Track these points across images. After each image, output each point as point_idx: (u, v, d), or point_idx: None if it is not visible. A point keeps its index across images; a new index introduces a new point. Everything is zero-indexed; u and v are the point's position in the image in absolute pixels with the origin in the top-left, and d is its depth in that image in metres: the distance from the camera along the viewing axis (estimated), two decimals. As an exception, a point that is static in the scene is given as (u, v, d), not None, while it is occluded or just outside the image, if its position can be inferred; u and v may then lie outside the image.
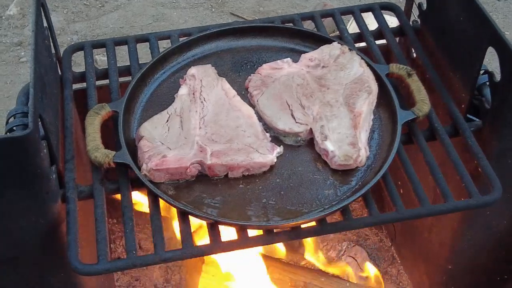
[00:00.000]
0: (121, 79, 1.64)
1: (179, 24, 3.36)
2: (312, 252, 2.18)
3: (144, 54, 1.80)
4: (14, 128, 1.47)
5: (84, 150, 1.43)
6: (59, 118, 1.52)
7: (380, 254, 2.26)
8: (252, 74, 1.60)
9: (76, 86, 1.67)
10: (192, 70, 1.57)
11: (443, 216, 1.51)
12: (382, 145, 1.47)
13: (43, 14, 1.54)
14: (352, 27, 2.31)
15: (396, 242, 2.27)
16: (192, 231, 1.34)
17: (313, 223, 1.36)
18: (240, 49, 1.69)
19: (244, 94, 1.58)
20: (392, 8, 1.82)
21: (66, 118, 1.53)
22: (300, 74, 1.58)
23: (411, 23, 1.81)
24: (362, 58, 1.60)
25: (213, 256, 1.99)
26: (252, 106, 1.54)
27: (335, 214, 1.38)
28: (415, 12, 1.83)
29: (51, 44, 1.61)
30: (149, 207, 1.37)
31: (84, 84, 1.64)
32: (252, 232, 1.34)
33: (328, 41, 1.66)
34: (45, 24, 1.56)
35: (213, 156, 1.39)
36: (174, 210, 1.37)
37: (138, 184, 1.39)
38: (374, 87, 1.54)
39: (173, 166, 1.36)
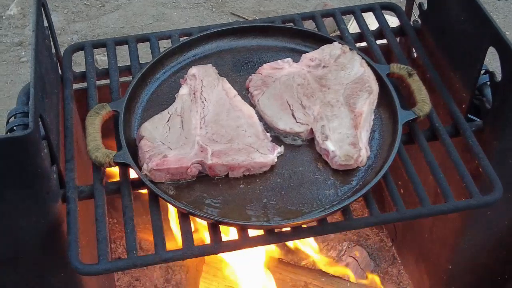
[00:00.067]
0: (122, 79, 1.64)
1: (180, 24, 3.36)
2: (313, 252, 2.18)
3: (145, 54, 1.80)
4: (15, 128, 1.47)
5: (84, 150, 1.42)
6: (60, 118, 1.52)
7: (381, 254, 2.26)
8: (252, 74, 1.60)
9: (76, 86, 1.67)
10: (193, 70, 1.57)
11: (444, 216, 1.50)
12: (382, 145, 1.47)
13: (43, 14, 1.54)
14: (353, 27, 2.31)
15: (396, 242, 2.27)
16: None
17: (314, 223, 1.36)
18: (240, 49, 1.69)
19: (245, 94, 1.58)
20: (392, 8, 1.82)
21: (67, 118, 1.53)
22: (300, 74, 1.58)
23: (411, 23, 1.81)
24: (362, 58, 1.60)
25: (214, 256, 1.99)
26: (253, 106, 1.54)
27: (336, 214, 1.38)
28: (415, 12, 1.83)
29: (52, 44, 1.61)
30: (149, 207, 1.37)
31: (85, 84, 1.64)
32: (252, 232, 1.34)
33: (329, 41, 1.65)
34: (46, 24, 1.56)
35: (213, 156, 1.38)
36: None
37: (138, 184, 1.39)
38: (375, 87, 1.53)
39: (173, 166, 1.36)
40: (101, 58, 3.01)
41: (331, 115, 1.48)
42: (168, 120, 1.47)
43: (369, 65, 1.58)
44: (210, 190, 1.39)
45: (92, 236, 1.35)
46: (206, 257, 2.06)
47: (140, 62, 1.67)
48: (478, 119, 1.56)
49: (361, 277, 2.15)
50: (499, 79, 1.46)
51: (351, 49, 1.62)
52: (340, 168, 1.42)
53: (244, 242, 1.33)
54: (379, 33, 1.77)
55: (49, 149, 1.32)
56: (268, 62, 1.62)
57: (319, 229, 1.36)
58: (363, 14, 1.80)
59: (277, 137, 1.49)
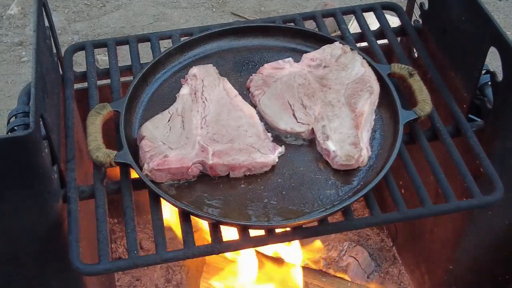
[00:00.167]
0: (122, 79, 1.64)
1: (180, 24, 3.35)
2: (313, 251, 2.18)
3: (145, 53, 1.80)
4: (15, 128, 1.47)
5: (85, 150, 1.42)
6: (61, 117, 1.52)
7: (382, 254, 2.26)
8: (253, 74, 1.60)
9: (77, 85, 1.67)
10: (194, 70, 1.57)
11: (445, 216, 1.51)
12: (383, 145, 1.47)
13: (44, 13, 1.54)
14: (353, 27, 2.31)
15: (397, 242, 2.27)
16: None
17: (315, 223, 1.35)
18: (241, 49, 1.69)
19: (246, 94, 1.58)
20: (393, 8, 1.82)
21: (68, 117, 1.53)
22: (301, 74, 1.58)
23: (412, 23, 1.80)
24: (363, 58, 1.59)
25: (215, 256, 1.99)
26: (254, 106, 1.54)
27: (337, 214, 1.38)
28: (416, 12, 1.83)
29: (53, 44, 1.61)
30: (150, 207, 1.37)
31: (85, 84, 1.64)
32: (253, 232, 1.34)
33: (330, 41, 1.65)
34: (47, 24, 1.56)
35: (214, 156, 1.38)
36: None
37: (139, 184, 1.39)
38: (376, 87, 1.53)
39: (174, 166, 1.36)
40: (101, 58, 3.01)
41: (332, 115, 1.48)
42: (169, 120, 1.46)
43: (370, 65, 1.58)
44: (211, 190, 1.39)
45: (92, 236, 1.34)
46: (206, 257, 2.06)
47: (141, 62, 1.67)
48: (479, 119, 1.56)
49: (362, 277, 2.15)
50: (500, 79, 1.46)
51: (352, 49, 1.62)
52: (341, 168, 1.42)
53: (245, 242, 1.33)
54: (380, 33, 1.76)
55: (50, 149, 1.32)
56: (269, 62, 1.62)
57: (320, 229, 1.36)
58: (364, 14, 1.80)
59: (278, 137, 1.49)
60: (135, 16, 3.43)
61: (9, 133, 1.46)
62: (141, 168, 1.37)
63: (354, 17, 1.82)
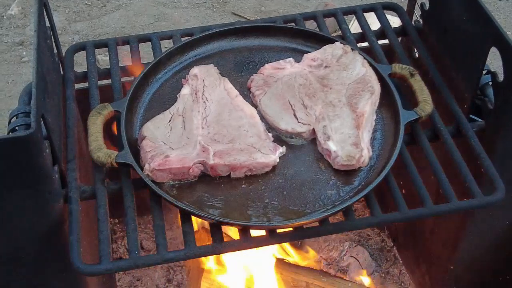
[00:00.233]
0: (123, 79, 1.64)
1: (181, 24, 3.35)
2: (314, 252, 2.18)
3: (146, 54, 1.80)
4: (17, 128, 1.47)
5: (86, 150, 1.42)
6: (61, 118, 1.52)
7: (382, 254, 2.26)
8: (254, 74, 1.60)
9: (78, 85, 1.67)
10: (195, 70, 1.57)
11: (445, 216, 1.50)
12: (384, 146, 1.47)
13: (45, 13, 1.53)
14: (354, 27, 2.31)
15: (398, 242, 2.27)
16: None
17: (316, 223, 1.35)
18: (242, 49, 1.69)
19: (247, 94, 1.58)
20: (394, 8, 1.82)
21: (68, 118, 1.53)
22: (302, 74, 1.58)
23: (413, 23, 1.80)
24: (364, 58, 1.59)
25: (216, 256, 1.99)
26: (255, 106, 1.54)
27: (338, 214, 1.38)
28: (416, 12, 1.83)
29: (53, 44, 1.61)
30: (151, 207, 1.37)
31: (86, 84, 1.64)
32: (255, 232, 1.34)
33: (331, 41, 1.65)
34: (47, 24, 1.56)
35: (215, 156, 1.38)
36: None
37: (140, 184, 1.39)
38: (377, 87, 1.53)
39: (175, 166, 1.36)
40: (102, 58, 3.01)
41: (333, 115, 1.48)
42: (170, 120, 1.46)
43: (371, 65, 1.58)
44: (212, 190, 1.39)
45: (93, 236, 1.34)
46: (208, 257, 2.06)
47: (142, 62, 1.67)
48: (480, 119, 1.56)
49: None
50: (501, 79, 1.46)
51: (353, 49, 1.62)
52: (342, 169, 1.42)
53: (246, 242, 1.33)
54: (380, 33, 1.76)
55: (51, 149, 1.32)
56: (270, 62, 1.62)
57: (321, 230, 1.36)
58: (365, 14, 1.80)
59: (279, 137, 1.49)
60: (135, 16, 3.43)
61: (10, 133, 1.46)
62: (142, 168, 1.37)
63: (354, 17, 1.82)
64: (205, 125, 1.46)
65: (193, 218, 1.35)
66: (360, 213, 2.29)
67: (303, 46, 1.69)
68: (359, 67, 1.57)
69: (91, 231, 1.48)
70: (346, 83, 1.55)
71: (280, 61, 1.62)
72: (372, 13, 1.82)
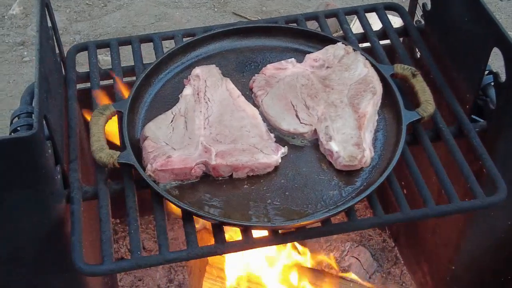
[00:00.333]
0: (125, 79, 1.64)
1: (182, 24, 3.35)
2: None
3: (147, 54, 1.80)
4: (19, 128, 1.47)
5: (88, 151, 1.42)
6: (63, 118, 1.52)
7: (384, 254, 2.26)
8: (256, 75, 1.60)
9: (79, 86, 1.67)
10: (197, 70, 1.57)
11: (447, 216, 1.50)
12: (386, 146, 1.47)
13: (47, 14, 1.53)
14: (355, 27, 2.31)
15: (399, 243, 2.27)
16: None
17: (318, 224, 1.35)
18: (244, 49, 1.69)
19: (248, 94, 1.58)
20: (395, 8, 1.82)
21: (71, 118, 1.53)
22: (304, 74, 1.58)
23: (414, 23, 1.80)
24: (366, 59, 1.59)
25: (218, 256, 1.99)
26: (257, 106, 1.54)
27: (340, 215, 1.38)
28: (418, 13, 1.83)
29: (55, 44, 1.61)
30: (153, 207, 1.37)
31: (88, 84, 1.64)
32: (257, 233, 1.34)
33: (333, 41, 1.65)
34: (49, 24, 1.56)
35: (217, 156, 1.38)
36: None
37: (142, 185, 1.39)
38: (379, 87, 1.53)
39: (177, 167, 1.36)
40: (103, 58, 3.01)
41: (335, 116, 1.48)
42: (172, 121, 1.46)
43: (372, 65, 1.58)
44: (214, 190, 1.39)
45: (95, 236, 1.34)
46: (209, 258, 2.06)
47: (143, 62, 1.67)
48: (482, 120, 1.56)
49: (364, 277, 2.15)
50: (503, 79, 1.46)
51: (354, 50, 1.62)
52: (344, 169, 1.41)
53: (248, 243, 1.33)
54: (382, 34, 1.76)
55: (53, 150, 1.32)
56: (271, 63, 1.62)
57: (323, 230, 1.36)
58: (366, 14, 1.80)
59: (281, 138, 1.48)
60: (136, 16, 3.43)
61: (12, 133, 1.46)
62: (144, 169, 1.37)
63: (355, 17, 1.82)
64: (207, 125, 1.46)
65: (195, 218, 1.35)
66: (362, 213, 2.29)
67: (305, 46, 1.69)
68: (361, 68, 1.57)
69: (93, 231, 1.49)
70: (348, 84, 1.55)
71: (282, 61, 1.62)
72: (374, 13, 1.82)
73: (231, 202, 1.37)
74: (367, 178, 1.41)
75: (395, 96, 1.51)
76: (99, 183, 1.40)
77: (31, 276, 1.43)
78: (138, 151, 1.42)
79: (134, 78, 1.64)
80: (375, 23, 1.79)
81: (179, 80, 1.60)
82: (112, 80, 1.62)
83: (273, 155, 1.41)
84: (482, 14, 1.47)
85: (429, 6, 1.73)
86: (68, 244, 1.31)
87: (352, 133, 1.44)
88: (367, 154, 1.41)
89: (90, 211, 1.49)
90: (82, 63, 2.57)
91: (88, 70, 1.65)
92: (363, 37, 1.76)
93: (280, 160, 1.42)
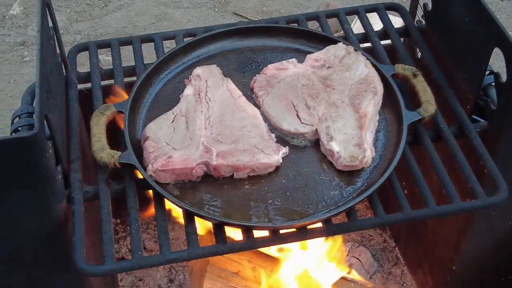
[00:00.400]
0: (126, 79, 1.64)
1: (182, 24, 3.35)
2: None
3: (148, 54, 1.80)
4: (19, 128, 1.47)
5: (89, 151, 1.42)
6: (64, 118, 1.52)
7: (384, 254, 2.26)
8: (257, 75, 1.60)
9: (80, 86, 1.67)
10: (197, 70, 1.57)
11: (448, 216, 1.50)
12: (387, 146, 1.47)
13: (48, 14, 1.53)
14: (356, 27, 2.31)
15: (400, 243, 2.27)
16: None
17: (319, 224, 1.35)
18: (245, 49, 1.69)
19: (249, 94, 1.58)
20: (396, 8, 1.82)
21: (71, 118, 1.53)
22: (305, 74, 1.58)
23: (415, 23, 1.80)
24: (367, 59, 1.59)
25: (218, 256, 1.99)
26: (258, 106, 1.54)
27: (341, 215, 1.38)
28: (419, 13, 1.82)
29: (56, 44, 1.61)
30: (154, 208, 1.37)
31: (89, 84, 1.64)
32: (258, 233, 1.34)
33: (334, 41, 1.65)
34: (50, 24, 1.56)
35: (218, 156, 1.38)
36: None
37: (143, 185, 1.39)
38: (380, 87, 1.53)
39: (178, 167, 1.36)
40: (104, 58, 3.01)
41: (336, 116, 1.48)
42: (172, 121, 1.46)
43: (373, 65, 1.58)
44: (215, 190, 1.39)
45: (96, 236, 1.34)
46: (210, 258, 2.05)
47: (144, 62, 1.67)
48: (482, 120, 1.56)
49: (365, 277, 2.15)
50: (504, 80, 1.46)
51: (355, 50, 1.62)
52: (345, 169, 1.41)
53: (249, 243, 1.33)
54: (383, 34, 1.76)
55: (54, 150, 1.32)
56: (272, 63, 1.62)
57: (325, 230, 1.36)
58: (367, 14, 1.80)
59: (282, 138, 1.48)
60: (137, 16, 3.44)
61: (13, 133, 1.46)
62: (145, 169, 1.37)
63: (356, 17, 1.82)
64: (208, 125, 1.46)
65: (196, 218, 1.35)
66: (362, 214, 2.29)
67: (306, 46, 1.69)
68: (362, 68, 1.57)
69: (94, 231, 1.49)
70: (349, 84, 1.54)
71: (283, 61, 1.62)
72: (374, 14, 1.82)
73: (232, 202, 1.37)
74: (368, 178, 1.41)
75: (396, 96, 1.51)
76: (100, 183, 1.40)
77: (31, 276, 1.43)
78: (139, 151, 1.42)
79: (135, 78, 1.64)
80: (376, 23, 1.79)
81: (180, 80, 1.60)
82: (113, 80, 1.62)
83: (274, 155, 1.41)
84: (483, 14, 1.47)
85: (430, 6, 1.73)
86: (69, 244, 1.31)
87: (353, 133, 1.44)
88: (368, 154, 1.41)
89: (90, 211, 1.49)
90: (82, 63, 2.57)
91: (89, 70, 1.65)
92: (364, 37, 1.76)
93: (281, 160, 1.42)
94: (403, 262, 2.25)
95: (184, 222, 1.34)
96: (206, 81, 1.54)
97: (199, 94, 1.52)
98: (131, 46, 1.72)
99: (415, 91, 1.54)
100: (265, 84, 1.56)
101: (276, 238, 1.34)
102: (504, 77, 1.47)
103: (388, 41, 1.76)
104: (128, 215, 1.35)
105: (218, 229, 1.33)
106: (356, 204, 1.34)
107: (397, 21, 2.04)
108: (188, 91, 1.53)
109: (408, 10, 1.82)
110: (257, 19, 3.31)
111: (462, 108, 1.56)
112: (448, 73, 1.63)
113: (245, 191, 1.39)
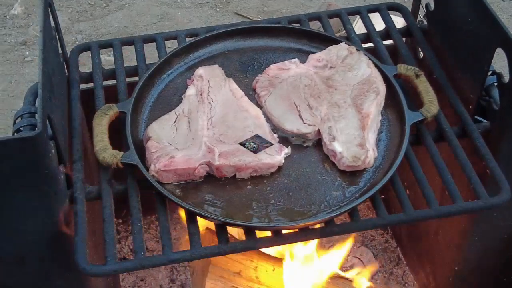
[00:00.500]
0: (128, 79, 1.64)
1: (184, 24, 3.35)
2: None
3: (149, 54, 1.80)
4: (22, 128, 1.47)
5: (91, 151, 1.42)
6: (66, 118, 1.52)
7: (386, 255, 2.26)
8: (259, 75, 1.60)
9: (82, 86, 1.67)
10: (200, 71, 1.57)
11: (450, 217, 1.50)
12: (390, 146, 1.46)
13: (50, 14, 1.53)
14: (357, 27, 2.31)
15: (401, 243, 2.27)
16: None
17: (322, 224, 1.35)
18: (247, 49, 1.69)
19: (252, 94, 1.58)
20: (398, 8, 1.82)
21: (74, 118, 1.53)
22: (307, 74, 1.58)
23: (417, 23, 1.80)
24: (369, 59, 1.59)
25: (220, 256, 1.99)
26: (260, 106, 1.54)
27: (343, 215, 1.37)
28: (421, 13, 1.82)
29: (58, 44, 1.61)
30: (156, 208, 1.37)
31: (91, 84, 1.64)
32: (260, 233, 1.34)
33: (336, 41, 1.65)
34: (52, 24, 1.56)
35: (221, 157, 1.38)
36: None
37: (146, 185, 1.39)
38: (382, 88, 1.53)
39: (181, 167, 1.36)
40: (105, 58, 3.01)
41: (338, 116, 1.48)
42: (175, 121, 1.46)
43: (376, 66, 1.58)
44: (217, 191, 1.39)
45: (98, 236, 1.34)
46: (212, 258, 2.05)
47: (146, 62, 1.67)
48: (485, 120, 1.56)
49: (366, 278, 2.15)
50: (507, 80, 1.46)
51: (358, 50, 1.62)
52: (347, 169, 1.41)
53: (251, 243, 1.33)
54: (385, 34, 1.76)
55: (57, 150, 1.32)
56: (274, 63, 1.62)
57: (327, 230, 1.36)
58: (369, 14, 1.80)
59: (284, 138, 1.48)
60: (138, 16, 3.43)
61: (16, 133, 1.46)
62: (147, 169, 1.37)
63: (358, 17, 1.82)
64: (210, 125, 1.46)
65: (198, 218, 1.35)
66: (364, 214, 2.29)
67: (308, 46, 1.68)
68: (364, 68, 1.57)
69: (96, 231, 1.49)
70: (351, 84, 1.54)
71: (285, 61, 1.62)
72: (377, 14, 1.82)
73: (234, 202, 1.37)
74: (371, 178, 1.41)
75: (399, 97, 1.51)
76: (103, 183, 1.40)
77: (34, 276, 1.43)
78: (141, 151, 1.42)
79: (137, 78, 1.64)
80: (378, 24, 1.79)
81: (182, 81, 1.60)
82: (115, 80, 1.62)
83: (277, 156, 1.41)
84: (486, 15, 1.47)
85: (432, 7, 1.73)
86: (71, 244, 1.31)
87: (356, 134, 1.44)
88: (371, 154, 1.41)
89: (93, 211, 1.49)
90: (84, 63, 2.57)
91: (91, 70, 1.65)
92: (366, 38, 1.76)
93: (283, 161, 1.42)
94: (404, 262, 2.25)
95: (186, 222, 1.34)
96: (208, 81, 1.54)
97: (201, 94, 1.52)
98: (133, 46, 1.72)
99: (417, 92, 1.54)
100: (267, 84, 1.56)
101: (278, 238, 1.34)
102: (506, 78, 1.47)
103: (390, 41, 1.76)
104: (131, 215, 1.35)
105: (220, 229, 1.33)
106: (358, 204, 1.34)
107: (399, 21, 2.04)
108: (190, 91, 1.53)
109: (410, 10, 1.82)
110: (258, 19, 3.31)
111: (465, 109, 1.55)
112: (450, 73, 1.63)
113: (247, 191, 1.39)
